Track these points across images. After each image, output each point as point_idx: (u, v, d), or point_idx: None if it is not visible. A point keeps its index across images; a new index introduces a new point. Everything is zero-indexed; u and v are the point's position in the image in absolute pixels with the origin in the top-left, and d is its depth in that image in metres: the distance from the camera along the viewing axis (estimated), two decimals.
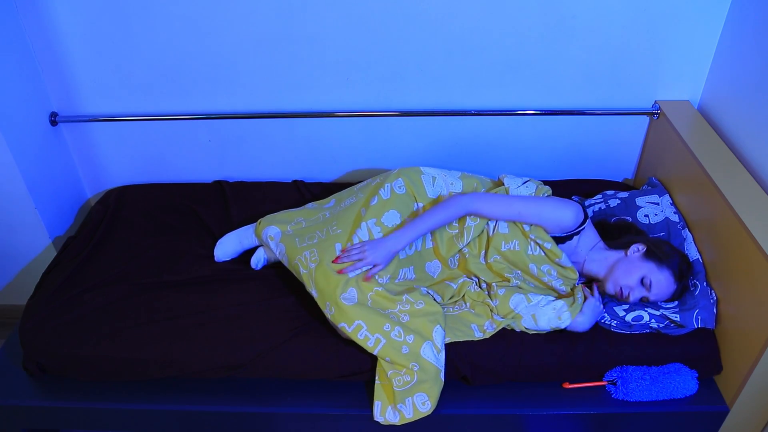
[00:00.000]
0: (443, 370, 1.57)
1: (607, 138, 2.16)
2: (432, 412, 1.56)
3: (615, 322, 1.64)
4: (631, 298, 1.63)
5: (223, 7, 1.89)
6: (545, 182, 2.21)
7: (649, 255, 1.64)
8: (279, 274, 1.83)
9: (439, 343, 1.57)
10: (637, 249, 1.66)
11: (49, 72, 2.02)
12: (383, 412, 1.56)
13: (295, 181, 2.22)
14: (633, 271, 1.63)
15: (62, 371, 1.67)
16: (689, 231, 1.80)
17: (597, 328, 1.66)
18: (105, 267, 1.85)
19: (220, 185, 2.21)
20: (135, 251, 1.92)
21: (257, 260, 1.86)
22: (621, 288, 1.63)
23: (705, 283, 1.66)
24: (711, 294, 1.63)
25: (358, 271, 1.62)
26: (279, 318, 1.68)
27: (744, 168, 1.73)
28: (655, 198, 1.92)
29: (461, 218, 1.73)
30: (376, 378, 1.58)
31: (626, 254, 1.67)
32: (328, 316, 1.61)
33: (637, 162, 2.23)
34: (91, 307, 1.71)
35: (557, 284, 1.69)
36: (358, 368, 1.62)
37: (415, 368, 1.54)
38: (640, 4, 1.87)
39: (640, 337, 1.64)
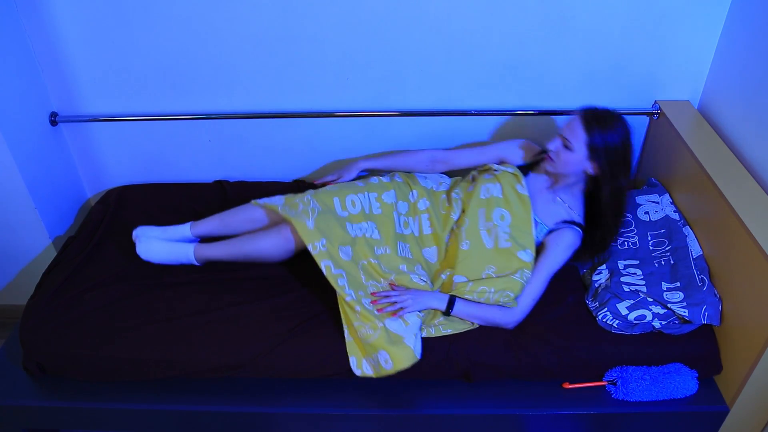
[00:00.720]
0: (415, 348, 1.55)
1: None
2: (394, 372, 1.54)
3: (617, 322, 1.64)
4: (553, 148, 1.68)
5: (223, 8, 1.89)
6: None
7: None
8: (279, 274, 1.83)
9: (411, 321, 1.59)
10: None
11: (49, 72, 2.02)
12: (359, 365, 1.58)
13: (295, 181, 2.22)
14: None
15: (62, 371, 1.67)
16: (690, 228, 1.80)
17: (598, 328, 1.66)
18: (105, 267, 1.85)
19: (220, 185, 2.21)
20: (135, 251, 1.91)
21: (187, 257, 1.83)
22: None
23: (710, 281, 1.66)
24: (715, 292, 1.64)
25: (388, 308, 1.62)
26: (278, 317, 1.68)
27: (744, 168, 1.73)
28: (655, 197, 1.92)
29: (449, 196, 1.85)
30: (346, 333, 1.61)
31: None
32: (315, 252, 1.63)
33: (637, 162, 2.23)
34: (91, 307, 1.71)
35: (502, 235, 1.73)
36: None
37: (380, 325, 1.56)
38: (640, 4, 1.87)
39: (640, 336, 1.64)
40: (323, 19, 1.91)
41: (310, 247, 1.64)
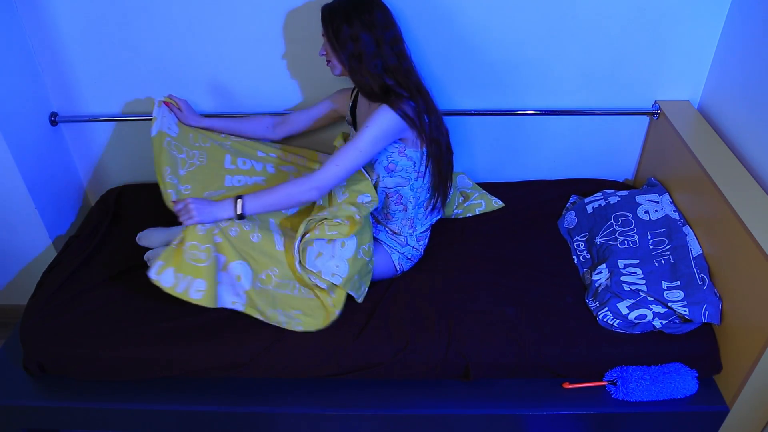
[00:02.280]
0: (220, 297, 1.56)
1: (607, 138, 2.16)
2: (190, 302, 1.53)
3: (617, 321, 1.64)
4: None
5: (223, 8, 1.89)
6: (545, 182, 2.22)
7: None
8: None
9: (237, 270, 1.58)
10: None
11: (49, 72, 2.02)
12: (160, 271, 1.52)
13: None
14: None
15: (62, 371, 1.67)
16: (690, 227, 1.80)
17: (598, 327, 1.66)
18: (105, 267, 1.85)
19: None
20: (135, 251, 1.92)
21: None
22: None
23: (710, 280, 1.66)
24: (715, 291, 1.64)
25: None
26: None
27: (744, 168, 1.73)
28: (655, 197, 1.92)
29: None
30: (174, 241, 1.57)
31: None
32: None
33: (637, 162, 2.23)
34: (91, 306, 1.71)
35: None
36: (359, 366, 1.62)
37: (212, 251, 1.55)
38: (640, 4, 1.87)
39: (640, 336, 1.64)
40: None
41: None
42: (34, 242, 2.10)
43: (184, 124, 1.91)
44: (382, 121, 1.58)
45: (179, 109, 1.90)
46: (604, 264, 1.78)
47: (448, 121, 2.11)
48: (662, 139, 2.03)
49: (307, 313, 1.65)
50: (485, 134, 2.16)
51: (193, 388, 1.68)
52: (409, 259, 1.85)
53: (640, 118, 2.11)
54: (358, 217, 1.64)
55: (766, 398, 1.55)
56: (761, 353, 1.44)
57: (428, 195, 1.80)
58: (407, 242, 1.84)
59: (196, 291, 1.53)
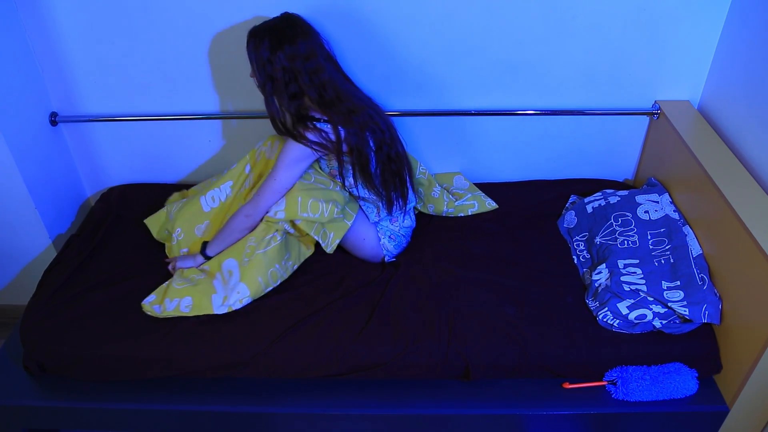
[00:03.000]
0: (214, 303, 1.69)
1: (607, 138, 2.16)
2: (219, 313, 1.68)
3: (617, 321, 1.64)
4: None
5: (223, 7, 1.89)
6: (545, 182, 2.22)
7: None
8: None
9: (225, 268, 1.74)
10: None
11: (49, 72, 2.02)
12: (151, 304, 1.71)
13: None
14: None
15: (62, 370, 1.67)
16: (690, 227, 1.80)
17: (598, 327, 1.66)
18: (106, 266, 1.85)
19: None
20: (136, 251, 1.92)
21: None
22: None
23: (710, 280, 1.66)
24: (715, 291, 1.64)
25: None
26: (278, 316, 1.68)
27: (744, 168, 1.73)
28: (654, 197, 1.92)
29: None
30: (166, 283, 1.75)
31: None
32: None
33: (637, 162, 2.23)
34: (91, 306, 1.72)
35: None
36: (359, 366, 1.62)
37: (197, 276, 1.75)
38: (640, 4, 1.87)
39: (640, 336, 1.64)
40: (323, 19, 1.91)
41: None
42: (34, 242, 2.10)
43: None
44: (290, 152, 1.71)
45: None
46: (604, 264, 1.78)
47: (449, 121, 2.13)
48: (662, 139, 2.03)
49: (293, 256, 1.80)
50: (485, 134, 2.16)
51: (193, 388, 1.68)
52: (391, 239, 1.90)
53: (640, 118, 2.11)
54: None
55: (766, 398, 1.55)
56: (761, 353, 1.44)
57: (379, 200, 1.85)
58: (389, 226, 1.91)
59: (185, 307, 1.68)
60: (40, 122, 2.04)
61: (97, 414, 1.67)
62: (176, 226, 1.90)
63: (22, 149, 1.93)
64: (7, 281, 2.22)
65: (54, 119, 2.09)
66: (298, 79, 1.66)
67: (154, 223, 1.98)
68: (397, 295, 1.75)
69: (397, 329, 1.65)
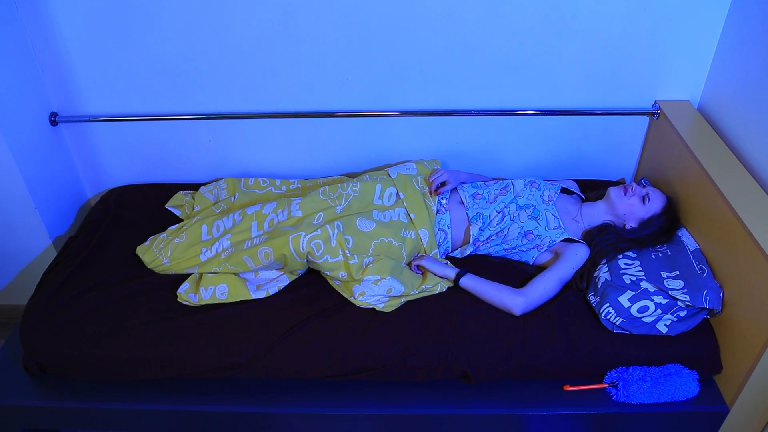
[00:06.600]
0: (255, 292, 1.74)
1: (607, 138, 2.16)
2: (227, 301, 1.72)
3: (619, 320, 1.63)
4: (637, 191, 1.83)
5: (223, 7, 1.89)
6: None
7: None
8: None
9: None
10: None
11: (49, 72, 2.02)
12: (186, 293, 1.73)
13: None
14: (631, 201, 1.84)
15: (62, 371, 1.67)
16: (684, 228, 1.83)
17: (598, 328, 1.66)
18: (106, 267, 1.85)
19: None
20: (136, 251, 1.91)
21: None
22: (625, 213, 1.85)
23: (709, 269, 1.66)
24: (715, 279, 1.64)
25: None
26: (278, 317, 1.68)
27: (744, 168, 1.73)
28: None
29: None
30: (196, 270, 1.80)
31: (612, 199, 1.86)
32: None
33: (637, 162, 2.23)
34: (91, 307, 1.71)
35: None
36: (359, 368, 1.62)
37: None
38: (640, 4, 1.87)
39: (640, 336, 1.63)
40: (323, 19, 1.91)
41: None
42: (34, 242, 2.10)
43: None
44: (581, 258, 1.80)
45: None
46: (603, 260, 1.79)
47: (449, 121, 2.13)
48: (662, 139, 2.03)
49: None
50: (485, 134, 2.16)
51: (193, 388, 1.68)
52: None
53: (640, 118, 2.12)
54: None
55: (766, 398, 1.55)
56: (761, 353, 1.44)
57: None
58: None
59: (221, 294, 1.73)
60: (40, 122, 2.04)
61: (97, 414, 1.67)
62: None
63: (22, 149, 1.93)
64: (6, 281, 2.22)
65: (54, 119, 2.09)
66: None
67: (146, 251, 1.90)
68: None
69: (398, 332, 1.65)
